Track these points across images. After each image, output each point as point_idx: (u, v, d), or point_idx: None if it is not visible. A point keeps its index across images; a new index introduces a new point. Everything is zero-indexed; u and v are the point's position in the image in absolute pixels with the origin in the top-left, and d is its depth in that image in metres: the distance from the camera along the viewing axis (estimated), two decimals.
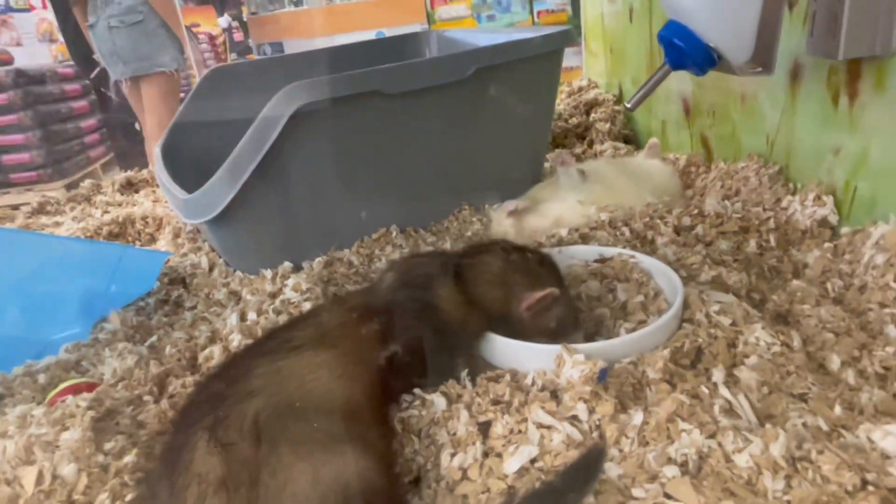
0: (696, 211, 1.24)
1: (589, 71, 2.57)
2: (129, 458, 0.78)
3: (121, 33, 3.23)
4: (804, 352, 0.89)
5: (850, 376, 0.84)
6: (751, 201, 1.28)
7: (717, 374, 0.81)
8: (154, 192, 2.05)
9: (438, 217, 1.44)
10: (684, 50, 1.00)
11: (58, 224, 1.83)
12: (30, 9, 6.22)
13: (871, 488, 0.65)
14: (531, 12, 4.97)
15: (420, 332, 0.87)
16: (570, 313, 0.93)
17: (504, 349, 0.89)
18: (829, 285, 1.03)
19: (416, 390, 0.87)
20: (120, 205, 1.93)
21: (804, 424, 0.76)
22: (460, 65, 1.25)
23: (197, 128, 1.71)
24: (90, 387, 0.93)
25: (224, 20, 9.95)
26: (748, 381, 0.82)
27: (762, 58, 0.98)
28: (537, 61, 1.39)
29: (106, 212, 1.85)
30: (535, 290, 0.89)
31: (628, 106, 1.09)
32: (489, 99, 1.36)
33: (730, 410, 0.78)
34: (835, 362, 0.88)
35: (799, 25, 1.15)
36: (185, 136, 1.73)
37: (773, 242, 1.16)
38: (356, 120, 1.23)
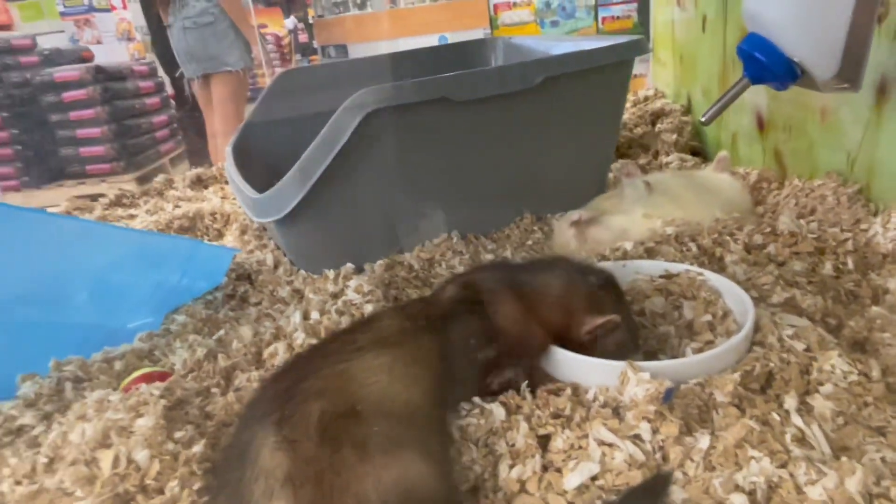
0: (768, 229, 1.19)
1: (656, 80, 2.52)
2: (197, 448, 0.81)
3: (193, 34, 3.38)
4: (884, 382, 0.84)
5: None
6: (827, 221, 1.22)
7: (790, 402, 0.78)
8: (222, 188, 2.12)
9: (500, 225, 1.44)
10: (766, 64, 0.97)
11: (132, 216, 1.91)
12: (111, 9, 6.54)
13: None
14: (595, 18, 4.91)
15: (476, 348, 0.87)
16: (630, 337, 0.91)
17: (566, 363, 0.88)
18: None
19: (476, 399, 0.88)
20: (190, 200, 2.00)
21: (882, 459, 0.73)
22: (528, 74, 1.25)
23: (267, 128, 1.76)
24: (162, 376, 0.97)
25: (290, 22, 10.22)
26: (822, 410, 0.79)
27: (849, 73, 0.94)
28: (606, 71, 1.37)
29: (177, 206, 1.92)
30: (595, 315, 0.88)
31: (702, 120, 1.06)
32: (555, 108, 1.35)
33: (802, 440, 0.75)
34: None
35: (888, 39, 1.10)
36: (256, 135, 1.78)
37: (850, 265, 1.11)
38: (423, 126, 1.24)
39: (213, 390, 0.96)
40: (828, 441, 0.76)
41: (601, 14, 4.90)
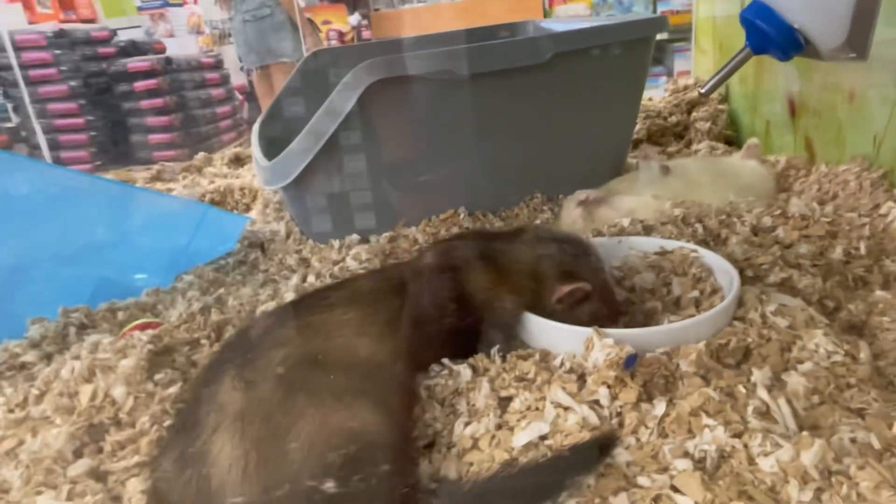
0: (778, 211, 1.15)
1: (697, 69, 2.44)
2: (173, 390, 0.85)
3: (252, 26, 3.53)
4: (871, 365, 0.80)
5: None
6: (846, 206, 1.16)
7: (758, 375, 0.75)
8: None
9: (509, 203, 1.43)
10: (767, 33, 0.94)
11: (170, 190, 2.01)
12: (182, 3, 6.85)
13: None
14: (654, 12, 4.79)
15: (445, 313, 0.87)
16: (605, 309, 0.89)
17: (536, 329, 0.88)
18: None
19: (446, 360, 0.88)
20: (225, 176, 2.08)
21: (853, 440, 0.69)
22: (537, 49, 1.24)
23: (296, 106, 1.81)
24: (157, 326, 1.02)
25: (354, 18, 10.40)
26: (795, 387, 0.75)
27: (857, 42, 0.89)
28: (622, 49, 1.34)
29: (212, 182, 2.00)
30: (566, 283, 0.87)
31: (702, 91, 1.03)
32: (567, 86, 1.33)
33: (766, 414, 0.72)
34: None
35: None
36: (285, 113, 1.83)
37: (863, 251, 1.05)
38: (430, 99, 1.25)
39: (203, 341, 1.00)
40: (797, 418, 0.73)
41: (660, 8, 4.78)
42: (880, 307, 0.91)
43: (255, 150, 1.45)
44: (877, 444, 0.68)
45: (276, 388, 0.73)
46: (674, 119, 2.02)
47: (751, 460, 0.66)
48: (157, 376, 0.87)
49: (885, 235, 1.07)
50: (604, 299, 0.90)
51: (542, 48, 1.24)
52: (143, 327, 1.01)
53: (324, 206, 1.32)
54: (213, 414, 0.70)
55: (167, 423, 0.81)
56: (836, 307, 0.93)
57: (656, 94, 2.36)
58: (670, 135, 1.98)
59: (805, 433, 0.68)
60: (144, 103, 5.44)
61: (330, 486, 0.65)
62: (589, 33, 1.28)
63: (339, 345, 0.80)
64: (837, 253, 1.05)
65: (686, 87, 2.22)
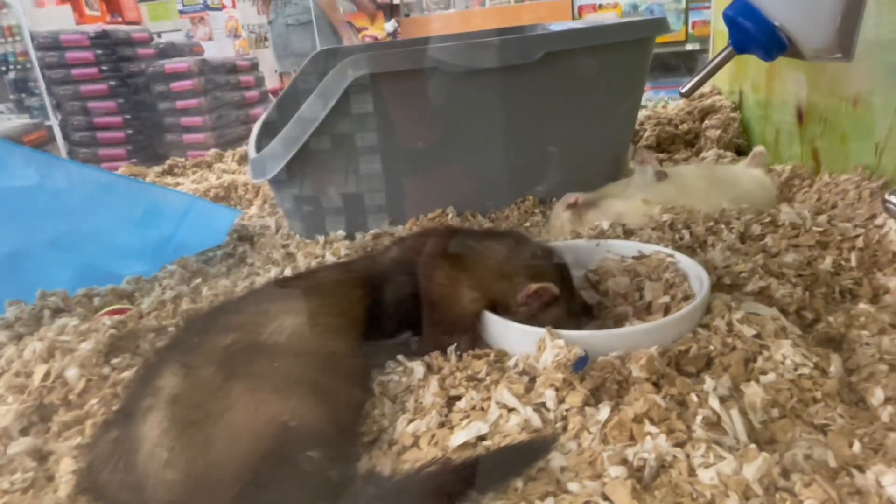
0: (768, 219, 1.10)
1: (715, 78, 2.38)
2: (128, 374, 0.85)
3: (295, 30, 3.59)
4: (841, 380, 0.76)
5: (887, 414, 0.71)
6: (843, 216, 1.11)
7: (710, 383, 0.71)
8: None
9: (500, 205, 1.41)
10: (750, 31, 0.90)
11: (178, 184, 2.04)
12: (222, 7, 7.02)
13: None
14: (685, 23, 4.71)
15: (402, 308, 0.86)
16: (569, 318, 0.87)
17: (494, 328, 0.86)
18: None
19: (400, 357, 0.87)
20: (234, 173, 2.11)
21: (807, 455, 0.65)
22: (527, 48, 1.22)
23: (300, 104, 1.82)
24: (127, 313, 1.02)
25: (390, 25, 10.52)
26: (753, 399, 0.71)
27: (842, 41, 0.85)
28: (619, 51, 1.31)
29: (219, 177, 2.03)
30: (533, 283, 0.85)
31: (682, 92, 1.00)
32: (561, 87, 1.31)
33: (716, 425, 0.68)
34: (877, 397, 0.74)
35: None
36: (289, 111, 1.85)
37: (853, 262, 1.00)
38: (416, 95, 1.25)
39: (170, 329, 1.00)
40: (751, 432, 0.69)
41: (692, 18, 4.70)
42: (861, 320, 0.86)
43: (251, 143, 1.46)
44: (832, 463, 0.64)
45: (215, 373, 0.72)
46: (685, 127, 1.97)
47: (691, 471, 0.63)
48: (115, 360, 0.87)
49: (879, 247, 1.02)
50: (569, 308, 0.87)
51: (532, 47, 1.22)
52: (114, 313, 1.02)
53: (309, 201, 1.32)
54: (150, 397, 0.69)
55: (116, 406, 0.81)
56: (815, 319, 0.89)
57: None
58: (680, 142, 1.93)
59: (752, 446, 0.65)
60: (180, 104, 5.57)
61: (252, 478, 0.64)
62: (582, 33, 1.25)
63: (290, 334, 0.79)
64: (826, 263, 1.00)
65: (701, 95, 2.17)
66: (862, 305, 0.89)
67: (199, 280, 1.16)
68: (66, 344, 0.88)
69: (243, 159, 2.30)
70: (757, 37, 0.89)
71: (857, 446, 0.66)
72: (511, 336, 0.83)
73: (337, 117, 1.19)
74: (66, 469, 0.70)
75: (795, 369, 0.76)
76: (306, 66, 1.88)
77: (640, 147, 1.59)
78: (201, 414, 0.67)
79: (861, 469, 0.64)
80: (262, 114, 1.84)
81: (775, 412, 0.72)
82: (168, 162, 2.21)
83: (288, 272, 1.15)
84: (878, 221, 1.05)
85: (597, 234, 1.11)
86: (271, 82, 6.50)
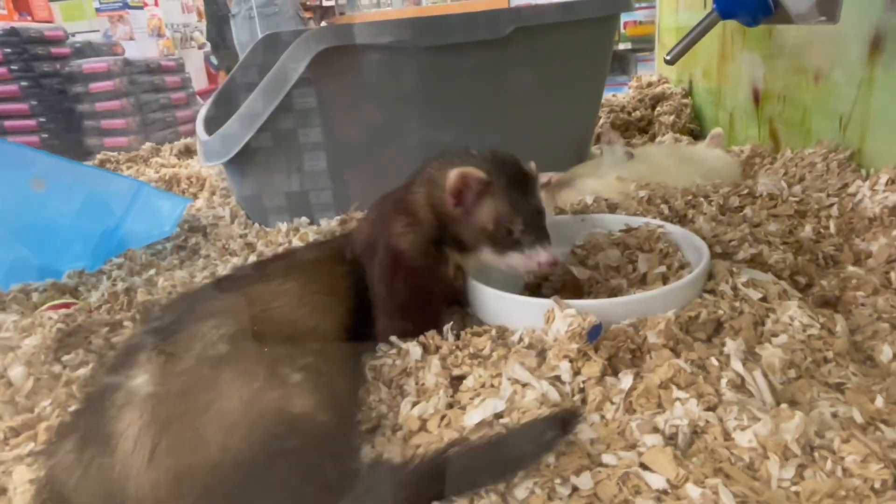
0: (746, 191, 1.10)
1: (661, 66, 2.43)
2: (83, 371, 0.75)
3: (260, 23, 3.47)
4: (848, 339, 0.75)
5: None
6: (813, 187, 1.13)
7: (731, 345, 0.69)
8: None
9: None
10: None
11: None
12: (143, 6, 6.67)
13: None
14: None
15: (392, 279, 0.80)
16: (513, 207, 0.78)
17: (492, 303, 0.81)
18: (893, 275, 0.88)
19: (393, 338, 0.80)
20: (173, 166, 1.97)
21: (833, 414, 0.63)
22: (497, 22, 1.18)
23: (246, 90, 1.72)
24: (73, 307, 0.91)
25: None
26: (771, 360, 0.69)
27: (827, 4, 0.85)
28: (586, 28, 1.29)
29: (158, 171, 1.89)
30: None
31: (667, 59, 0.99)
32: (529, 64, 1.28)
33: (740, 387, 0.66)
34: (886, 353, 0.73)
35: None
36: (235, 96, 1.74)
37: (832, 229, 1.01)
38: (385, 74, 1.18)
39: (126, 323, 0.90)
40: (773, 392, 0.66)
41: (623, 19, 4.83)
42: (854, 282, 0.86)
43: (199, 126, 1.35)
44: (859, 419, 0.63)
45: (199, 361, 0.64)
46: (637, 114, 1.99)
47: (726, 435, 0.60)
48: (66, 357, 0.77)
49: (854, 214, 1.03)
50: (507, 199, 0.78)
51: (502, 22, 1.18)
52: (58, 307, 0.91)
53: (269, 185, 1.23)
54: (123, 390, 0.60)
55: (72, 408, 0.71)
56: (808, 283, 0.89)
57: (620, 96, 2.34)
58: (634, 129, 1.95)
59: (784, 406, 0.62)
60: (100, 105, 5.24)
61: (253, 473, 0.56)
62: (551, 9, 1.22)
63: (279, 315, 0.72)
64: (807, 231, 1.01)
65: (650, 84, 2.20)
66: (851, 268, 0.90)
67: (152, 271, 1.06)
68: (5, 341, 0.77)
69: (182, 153, 2.16)
70: (745, 1, 0.88)
71: (879, 401, 0.65)
72: (513, 309, 0.78)
73: (299, 94, 1.11)
74: (21, 479, 0.60)
75: (804, 330, 0.75)
76: (252, 50, 1.77)
77: (605, 128, 1.57)
78: (188, 406, 0.59)
79: (887, 423, 0.62)
80: (200, 109, 1.73)
81: (792, 373, 0.70)
82: (99, 157, 2.04)
83: (253, 259, 1.06)
84: (851, 190, 1.07)
85: (581, 210, 1.08)
86: (198, 83, 6.24)
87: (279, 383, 0.64)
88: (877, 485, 0.54)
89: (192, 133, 6.22)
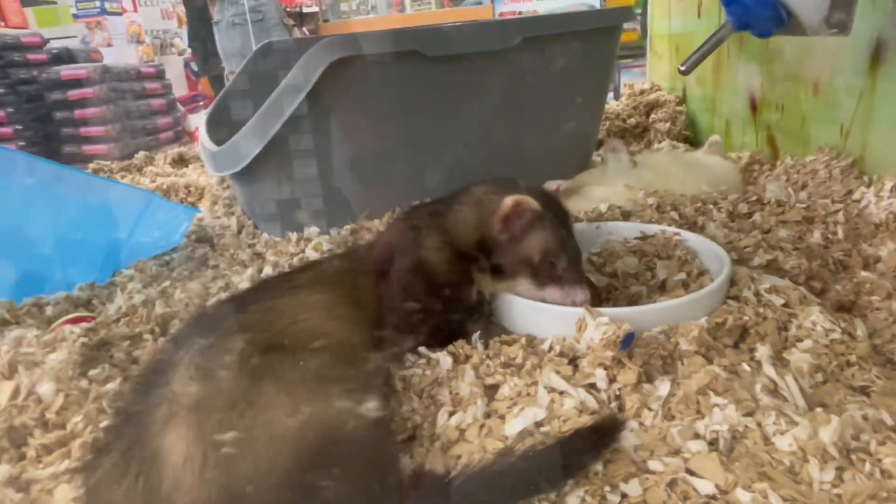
0: (754, 198, 1.12)
1: (653, 74, 2.47)
2: (111, 386, 0.74)
3: (242, 30, 3.44)
4: (868, 343, 0.77)
5: None
6: (817, 194, 1.15)
7: (763, 351, 0.70)
8: (202, 166, 2.07)
9: None
10: (750, 7, 0.91)
11: None
12: (122, 12, 6.59)
13: None
14: None
15: (412, 289, 0.80)
16: (562, 248, 0.80)
17: (520, 312, 0.81)
18: None
19: (422, 349, 0.80)
20: (169, 175, 1.95)
21: (864, 417, 0.65)
22: (506, 32, 1.20)
23: (245, 98, 1.71)
24: (92, 320, 0.90)
25: (301, 35, 10.29)
26: (799, 365, 0.71)
27: (840, 15, 0.88)
28: (591, 38, 1.31)
29: (153, 181, 1.87)
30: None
31: (681, 69, 1.00)
32: (536, 73, 1.29)
33: (774, 391, 0.67)
34: None
35: None
36: (234, 105, 1.73)
37: (840, 235, 1.04)
38: (395, 83, 1.19)
39: (146, 336, 0.89)
40: (804, 396, 0.68)
41: None
42: (868, 287, 0.89)
43: (203, 136, 1.35)
44: (889, 421, 0.64)
45: (238, 376, 0.63)
46: (633, 121, 2.01)
47: (766, 440, 0.61)
48: (92, 372, 0.76)
49: (860, 220, 1.06)
50: (559, 238, 0.80)
51: (511, 32, 1.20)
52: (75, 321, 0.90)
53: (279, 195, 1.23)
54: (165, 406, 0.60)
55: (104, 423, 0.70)
56: (823, 288, 0.91)
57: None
58: (630, 136, 1.97)
59: (819, 410, 0.64)
60: (79, 112, 5.16)
61: (305, 484, 0.56)
62: (558, 19, 1.24)
63: (307, 328, 0.72)
64: (816, 237, 1.03)
65: (643, 91, 2.23)
66: (864, 273, 0.92)
67: (166, 283, 1.05)
68: (29, 357, 0.76)
69: (177, 162, 2.14)
70: (759, 13, 0.90)
71: None
72: (542, 318, 0.79)
73: (311, 103, 1.11)
74: (64, 497, 0.59)
75: (826, 335, 0.76)
76: (250, 60, 1.76)
77: (609, 137, 1.59)
78: (234, 421, 0.59)
79: None
80: (204, 111, 1.71)
81: (819, 377, 0.71)
82: (92, 165, 2.01)
83: (269, 271, 1.06)
84: (856, 196, 1.10)
85: (595, 217, 1.09)
86: (179, 90, 6.17)
87: (322, 396, 0.64)
88: None
89: (174, 140, 6.14)
